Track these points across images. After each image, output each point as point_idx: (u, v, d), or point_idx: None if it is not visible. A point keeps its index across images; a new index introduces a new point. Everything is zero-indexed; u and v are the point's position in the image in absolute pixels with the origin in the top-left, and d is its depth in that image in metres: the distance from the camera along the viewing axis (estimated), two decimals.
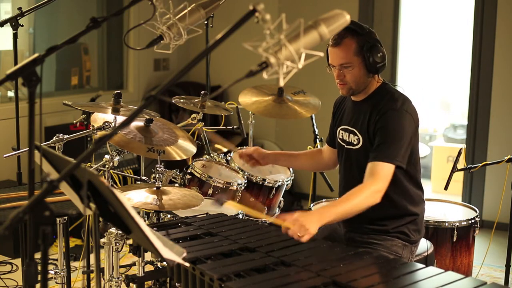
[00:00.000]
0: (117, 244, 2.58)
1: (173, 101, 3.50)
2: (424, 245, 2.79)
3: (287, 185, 3.53)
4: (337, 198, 3.49)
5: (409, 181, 2.56)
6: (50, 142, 2.82)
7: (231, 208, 2.04)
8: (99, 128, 2.89)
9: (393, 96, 2.51)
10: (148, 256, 2.69)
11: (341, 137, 2.67)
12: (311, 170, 3.05)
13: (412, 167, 2.54)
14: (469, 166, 3.25)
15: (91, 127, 2.93)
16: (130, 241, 2.54)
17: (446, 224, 3.09)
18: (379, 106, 2.49)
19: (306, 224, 2.16)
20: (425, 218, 2.81)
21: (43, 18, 5.14)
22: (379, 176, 2.37)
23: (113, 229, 2.56)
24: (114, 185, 3.32)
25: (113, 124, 2.91)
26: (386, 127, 2.44)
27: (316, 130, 3.88)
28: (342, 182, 2.72)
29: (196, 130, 3.58)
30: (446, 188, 3.18)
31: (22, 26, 3.25)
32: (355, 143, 2.58)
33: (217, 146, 5.52)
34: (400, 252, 2.55)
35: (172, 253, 1.64)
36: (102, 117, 2.98)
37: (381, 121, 2.45)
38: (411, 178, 2.56)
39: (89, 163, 3.03)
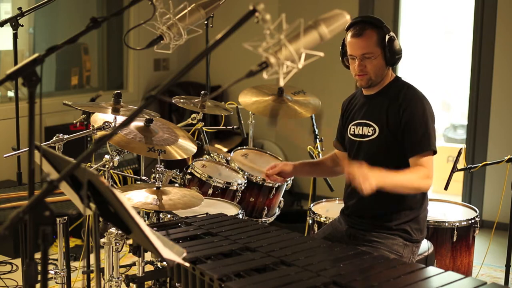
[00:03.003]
0: (117, 244, 2.58)
1: (173, 101, 3.50)
2: (424, 245, 2.79)
3: (287, 185, 3.53)
4: (337, 198, 3.51)
5: None
6: (50, 142, 2.82)
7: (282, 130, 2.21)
8: (99, 128, 2.89)
9: (410, 87, 2.61)
10: (148, 256, 2.69)
11: (353, 132, 2.70)
12: (333, 175, 3.00)
13: None
14: (469, 166, 3.25)
15: (91, 127, 2.93)
16: (130, 241, 2.54)
17: (446, 224, 3.09)
18: (400, 98, 2.56)
19: (370, 177, 2.25)
20: None
21: (43, 18, 5.14)
22: (423, 165, 2.46)
23: (113, 229, 2.56)
24: (114, 185, 3.32)
25: (113, 124, 2.91)
26: (417, 117, 2.51)
27: (316, 130, 3.88)
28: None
29: (196, 130, 3.58)
30: (446, 188, 3.18)
31: (22, 26, 3.25)
32: (369, 134, 2.62)
33: (217, 146, 5.53)
34: (401, 252, 2.55)
35: (172, 253, 1.64)
36: (102, 117, 2.98)
37: (407, 112, 2.51)
38: None
39: (89, 163, 3.03)
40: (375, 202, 2.51)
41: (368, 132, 2.62)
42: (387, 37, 2.54)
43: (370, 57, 2.54)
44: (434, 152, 2.51)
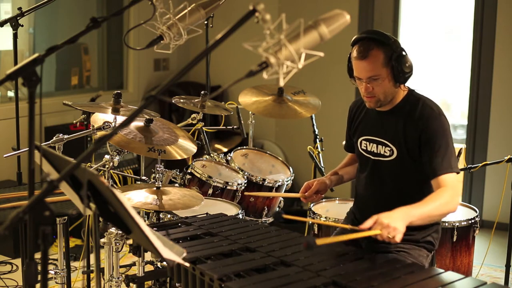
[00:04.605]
0: (117, 244, 2.58)
1: (173, 101, 3.50)
2: None
3: (287, 185, 3.53)
4: (337, 198, 3.51)
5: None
6: (50, 142, 2.82)
7: (323, 242, 1.97)
8: (99, 128, 2.89)
9: (426, 103, 2.46)
10: (148, 256, 2.69)
11: (365, 148, 2.58)
12: None
13: None
14: (469, 166, 3.25)
15: (91, 127, 2.93)
16: (130, 241, 2.54)
17: (446, 224, 3.09)
18: (416, 116, 2.43)
19: (393, 223, 2.09)
20: None
21: (43, 18, 5.14)
22: (448, 186, 2.32)
23: (113, 229, 2.56)
24: (114, 185, 3.32)
25: (113, 124, 2.91)
26: (435, 138, 2.37)
27: (316, 130, 3.88)
28: (369, 193, 2.61)
29: (196, 130, 3.58)
30: None
31: (22, 26, 3.26)
32: (386, 154, 2.49)
33: (217, 146, 5.53)
34: (424, 262, 2.49)
35: (172, 253, 1.64)
36: (102, 117, 2.98)
37: (426, 132, 2.39)
38: None
39: (89, 163, 3.03)
40: None
41: (385, 152, 2.50)
42: (394, 55, 2.37)
43: (377, 79, 2.38)
44: (457, 173, 2.38)
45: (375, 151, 2.54)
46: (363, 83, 2.42)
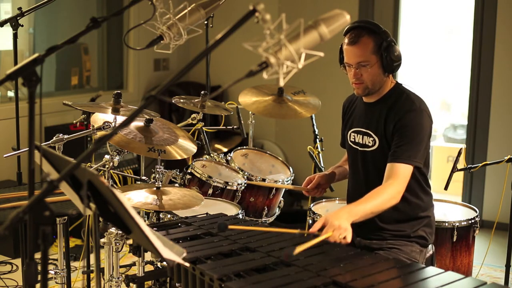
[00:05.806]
0: (117, 244, 2.58)
1: (173, 101, 3.50)
2: (428, 246, 2.78)
3: (286, 185, 3.53)
4: (337, 198, 3.51)
5: (424, 181, 2.56)
6: (50, 142, 2.82)
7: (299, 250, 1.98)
8: (99, 128, 2.89)
9: (409, 97, 2.52)
10: (148, 256, 2.69)
11: (353, 140, 2.64)
12: None
13: (425, 167, 2.53)
14: (469, 166, 3.25)
15: (91, 127, 2.93)
16: (130, 241, 2.54)
17: (446, 224, 3.09)
18: (396, 107, 2.49)
19: (343, 224, 2.15)
20: None
21: (43, 18, 5.14)
22: (398, 177, 2.38)
23: (113, 229, 2.56)
24: (114, 185, 3.32)
25: (113, 124, 2.91)
26: (406, 128, 2.43)
27: (316, 130, 3.88)
28: (355, 185, 2.66)
29: (196, 130, 3.58)
30: (446, 188, 3.18)
31: (22, 26, 3.26)
32: (370, 144, 2.55)
33: (217, 146, 5.53)
34: (417, 258, 2.52)
35: (172, 253, 1.64)
36: (102, 117, 2.98)
37: (401, 121, 2.44)
38: (424, 178, 2.56)
39: (89, 163, 3.03)
40: (391, 211, 2.42)
41: (369, 142, 2.55)
42: (384, 43, 2.44)
43: (366, 65, 2.45)
44: (416, 167, 2.43)
45: (361, 142, 2.60)
46: (352, 69, 2.49)
